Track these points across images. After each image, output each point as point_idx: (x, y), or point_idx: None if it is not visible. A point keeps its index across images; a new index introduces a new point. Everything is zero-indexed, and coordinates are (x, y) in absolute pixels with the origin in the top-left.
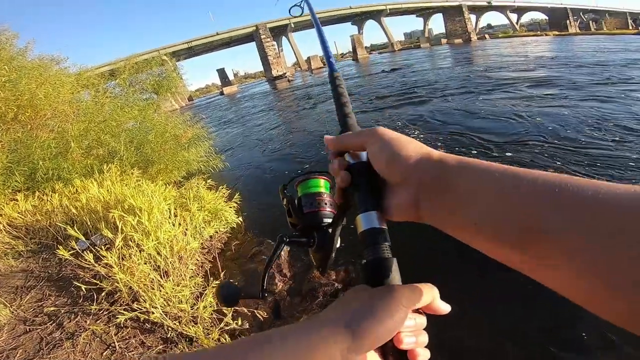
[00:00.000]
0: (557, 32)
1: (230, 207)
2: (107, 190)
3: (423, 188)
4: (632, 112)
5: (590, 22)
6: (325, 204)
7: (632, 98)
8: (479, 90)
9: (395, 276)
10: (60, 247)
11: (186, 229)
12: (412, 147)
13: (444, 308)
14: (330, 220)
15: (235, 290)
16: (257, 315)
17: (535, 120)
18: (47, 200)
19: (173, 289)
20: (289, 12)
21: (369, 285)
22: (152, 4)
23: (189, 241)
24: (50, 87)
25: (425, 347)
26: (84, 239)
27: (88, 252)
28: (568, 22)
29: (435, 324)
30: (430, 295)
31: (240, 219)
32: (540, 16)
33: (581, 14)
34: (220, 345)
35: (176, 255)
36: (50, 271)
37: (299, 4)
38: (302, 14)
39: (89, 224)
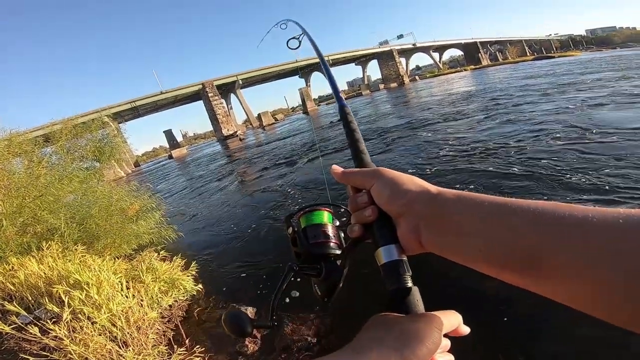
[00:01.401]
0: (473, 67)
1: (188, 276)
2: (49, 267)
3: (423, 220)
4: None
5: (497, 52)
6: (331, 235)
7: (527, 120)
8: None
9: (419, 303)
10: None
11: (142, 300)
12: (412, 182)
13: (466, 331)
14: (336, 252)
15: (246, 320)
16: None
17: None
18: None
19: (134, 358)
20: (287, 44)
21: (395, 312)
22: (87, 62)
23: (146, 312)
24: None
25: None
26: (25, 313)
27: (32, 325)
28: (480, 55)
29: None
30: (456, 321)
31: (200, 286)
32: (458, 52)
33: (489, 46)
34: None
35: (134, 325)
36: None
37: (297, 37)
38: (299, 46)
39: (30, 299)
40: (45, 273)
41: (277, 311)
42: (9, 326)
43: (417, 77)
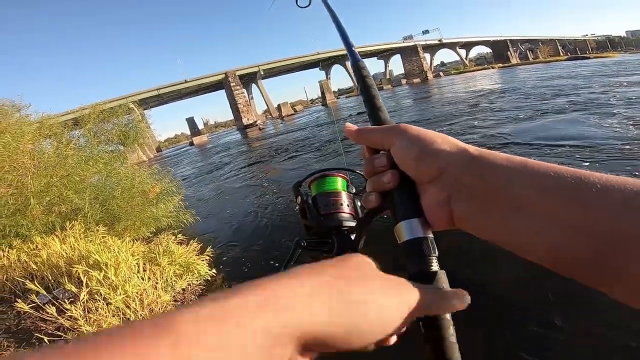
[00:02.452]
0: (501, 65)
1: (203, 260)
2: (71, 247)
3: (461, 189)
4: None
5: (528, 51)
6: (344, 204)
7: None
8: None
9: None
10: (19, 301)
11: (156, 283)
12: (445, 140)
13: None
14: (350, 224)
15: None
16: None
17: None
18: (4, 256)
19: None
20: (296, 3)
21: None
22: (119, 50)
23: (160, 294)
24: (10, 137)
25: None
26: (45, 292)
27: (50, 305)
28: (509, 53)
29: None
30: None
31: (214, 270)
32: (486, 49)
33: (519, 44)
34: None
35: (147, 308)
36: (8, 323)
37: None
38: (309, 5)
39: (50, 278)
40: (66, 253)
41: None
42: (28, 305)
43: (441, 73)
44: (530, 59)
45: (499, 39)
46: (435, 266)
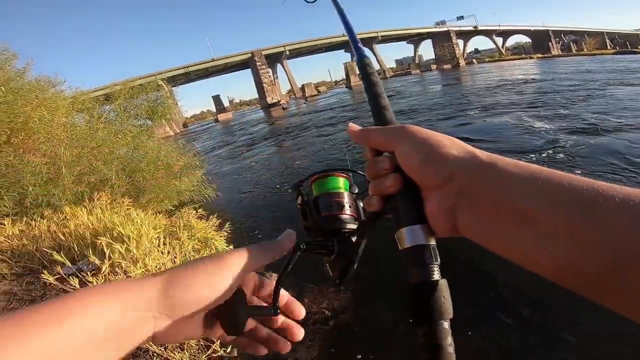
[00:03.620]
0: (540, 55)
1: (221, 236)
2: (97, 218)
3: (467, 195)
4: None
5: (571, 43)
6: (346, 206)
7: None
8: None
9: (446, 302)
10: (45, 272)
11: (175, 257)
12: (453, 144)
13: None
14: (352, 226)
15: (241, 311)
16: None
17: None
18: (35, 225)
19: None
20: None
21: (416, 312)
22: (149, 27)
23: None
24: (46, 111)
25: None
26: (70, 264)
27: (74, 277)
28: (550, 44)
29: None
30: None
31: (231, 247)
32: (524, 39)
33: (562, 35)
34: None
35: None
36: (34, 294)
37: None
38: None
39: (76, 250)
40: (92, 224)
41: (278, 297)
42: (53, 277)
43: (474, 60)
44: (574, 50)
45: (540, 28)
46: (437, 275)
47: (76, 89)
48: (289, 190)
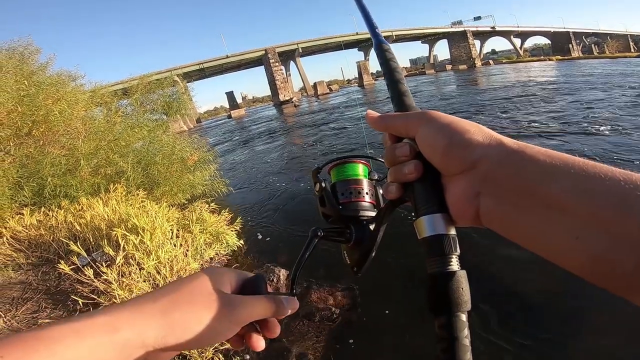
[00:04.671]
0: (560, 57)
1: (232, 231)
2: (112, 210)
3: (492, 183)
4: None
5: (593, 45)
6: (364, 193)
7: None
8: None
9: (464, 293)
10: (61, 262)
11: (187, 250)
12: (478, 130)
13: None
14: (370, 213)
15: (262, 289)
16: None
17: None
18: (53, 216)
19: None
20: None
21: (434, 303)
22: (163, 23)
23: (189, 262)
24: (66, 104)
25: None
26: (85, 254)
27: (88, 267)
28: (571, 46)
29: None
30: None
31: (242, 242)
32: (544, 41)
33: (583, 37)
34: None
35: (176, 274)
36: (48, 284)
37: None
38: None
39: (91, 240)
40: (108, 215)
41: (297, 282)
42: (69, 267)
43: (491, 61)
44: (595, 53)
45: (560, 30)
46: (455, 266)
47: (95, 83)
48: (301, 185)
